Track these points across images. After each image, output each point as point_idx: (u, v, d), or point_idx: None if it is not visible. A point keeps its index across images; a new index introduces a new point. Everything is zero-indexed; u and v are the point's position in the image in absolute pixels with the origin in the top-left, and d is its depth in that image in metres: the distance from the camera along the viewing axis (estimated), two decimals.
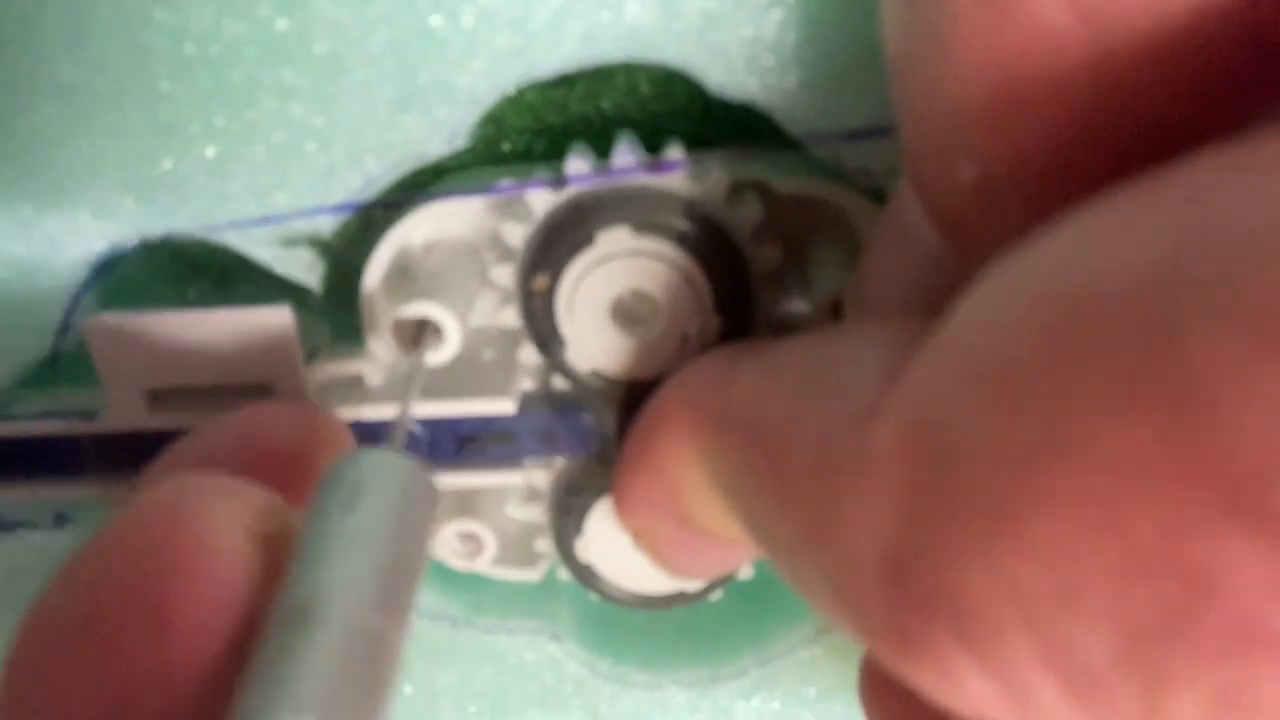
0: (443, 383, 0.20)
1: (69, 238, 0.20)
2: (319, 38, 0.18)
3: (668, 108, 0.20)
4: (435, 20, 0.18)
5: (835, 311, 0.19)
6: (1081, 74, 0.10)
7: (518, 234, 0.19)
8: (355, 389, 0.20)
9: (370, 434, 0.20)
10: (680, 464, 0.16)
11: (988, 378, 0.09)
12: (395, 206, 0.20)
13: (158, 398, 0.19)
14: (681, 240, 0.18)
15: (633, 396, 0.19)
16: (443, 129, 0.19)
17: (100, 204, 0.20)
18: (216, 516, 0.13)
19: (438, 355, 0.19)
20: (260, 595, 0.13)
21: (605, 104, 0.20)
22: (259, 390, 0.19)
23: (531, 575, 0.23)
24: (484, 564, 0.23)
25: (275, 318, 0.18)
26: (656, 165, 0.18)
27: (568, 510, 0.21)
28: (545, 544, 0.23)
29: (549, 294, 0.19)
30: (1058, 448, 0.08)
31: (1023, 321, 0.09)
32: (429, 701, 0.26)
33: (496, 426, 0.21)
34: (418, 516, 0.14)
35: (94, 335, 0.19)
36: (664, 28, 0.18)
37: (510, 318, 0.20)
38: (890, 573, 0.10)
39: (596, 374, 0.20)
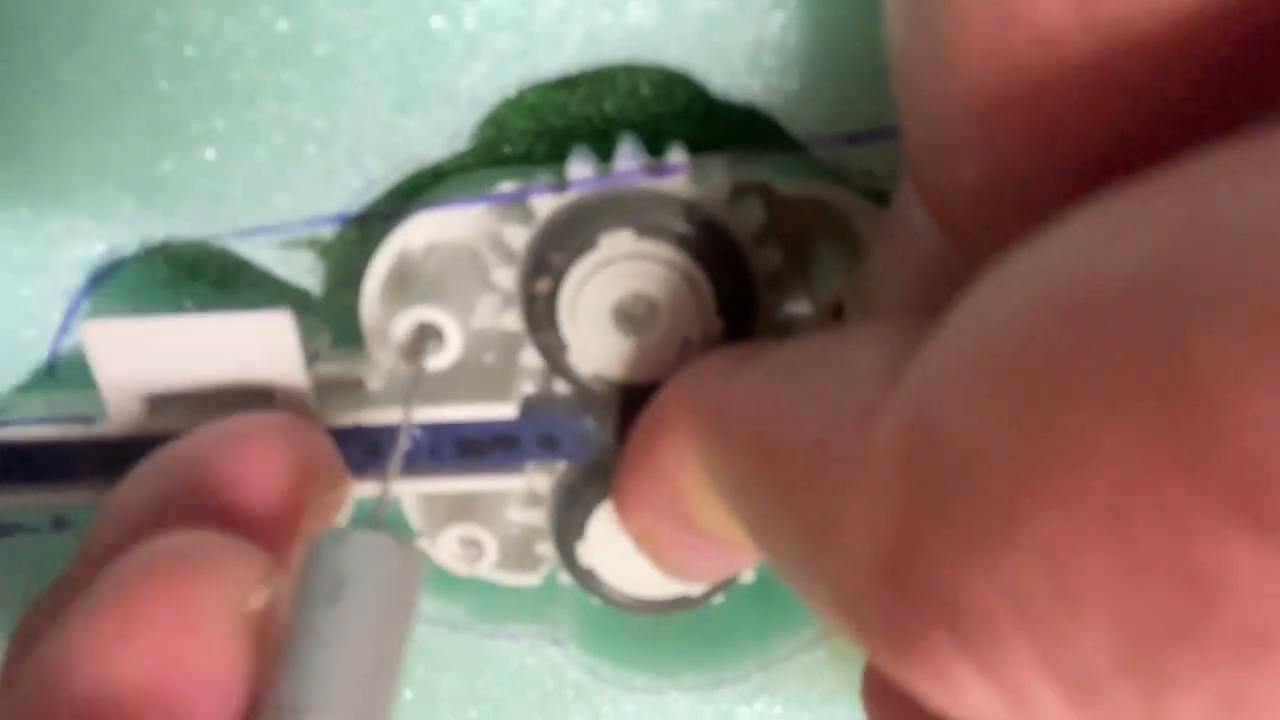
0: (444, 386, 0.20)
1: (68, 240, 0.20)
2: (320, 39, 0.18)
3: (669, 109, 0.20)
4: (436, 22, 0.18)
5: (837, 313, 0.19)
6: (1084, 74, 0.10)
7: (520, 237, 0.19)
8: (356, 393, 0.20)
9: (371, 439, 0.20)
10: (681, 466, 0.16)
11: (987, 377, 0.09)
12: (394, 217, 0.20)
13: (157, 403, 0.19)
14: (683, 243, 0.18)
15: (635, 400, 0.19)
16: (444, 131, 0.19)
17: (100, 206, 0.20)
18: (210, 603, 0.14)
19: (439, 359, 0.19)
20: (251, 682, 0.14)
21: (607, 105, 0.20)
22: (259, 395, 0.19)
23: (533, 579, 0.23)
24: (485, 568, 0.23)
25: (275, 321, 0.18)
26: (658, 168, 0.18)
27: (569, 514, 0.21)
28: (546, 548, 0.23)
29: (551, 297, 0.19)
30: (1058, 448, 0.08)
31: (1023, 321, 0.09)
32: (430, 707, 0.26)
33: (498, 430, 0.20)
34: (402, 601, 0.15)
35: (92, 339, 0.19)
36: (666, 29, 0.18)
37: (512, 321, 0.20)
38: (888, 573, 0.10)
39: (598, 377, 0.20)
